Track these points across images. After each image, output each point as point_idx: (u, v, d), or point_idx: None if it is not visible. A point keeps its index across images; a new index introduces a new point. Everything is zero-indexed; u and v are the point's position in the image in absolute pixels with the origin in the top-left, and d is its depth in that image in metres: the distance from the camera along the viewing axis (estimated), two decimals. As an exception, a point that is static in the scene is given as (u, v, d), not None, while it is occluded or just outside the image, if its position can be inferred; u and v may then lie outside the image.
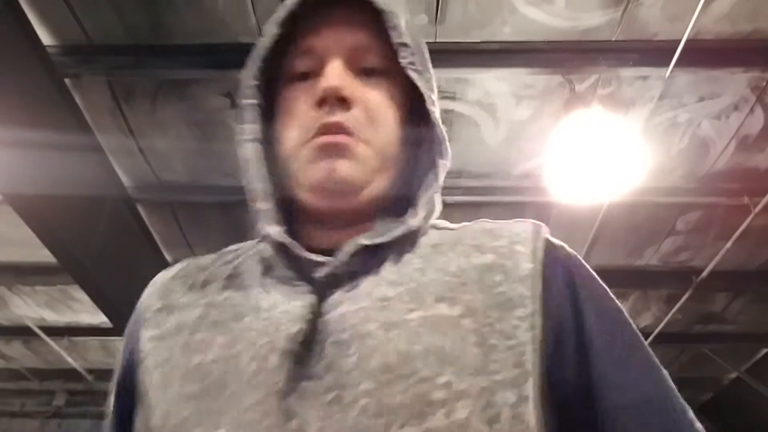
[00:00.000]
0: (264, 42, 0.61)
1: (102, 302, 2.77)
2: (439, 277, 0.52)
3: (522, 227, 0.59)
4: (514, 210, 2.87)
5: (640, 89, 2.29)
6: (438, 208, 0.63)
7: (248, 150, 0.60)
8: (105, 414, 0.62)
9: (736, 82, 2.27)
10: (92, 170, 2.30)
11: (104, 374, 4.85)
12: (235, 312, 0.54)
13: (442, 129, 0.60)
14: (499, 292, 0.50)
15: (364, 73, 0.59)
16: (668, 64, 2.04)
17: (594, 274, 0.58)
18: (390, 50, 0.60)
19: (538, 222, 0.60)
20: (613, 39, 2.10)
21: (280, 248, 0.56)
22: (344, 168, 0.55)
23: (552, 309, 0.50)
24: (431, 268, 0.54)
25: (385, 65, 0.60)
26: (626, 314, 0.55)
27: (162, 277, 0.65)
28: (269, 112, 0.62)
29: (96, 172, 2.33)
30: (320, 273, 0.53)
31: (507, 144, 2.53)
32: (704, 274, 3.13)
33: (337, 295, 0.52)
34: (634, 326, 0.54)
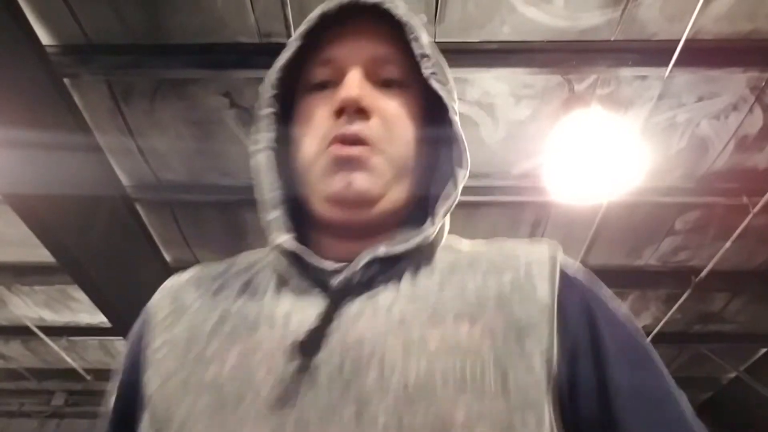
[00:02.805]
0: (285, 53, 0.61)
1: (101, 302, 2.76)
2: (458, 294, 0.53)
3: (538, 248, 0.59)
4: (514, 210, 2.88)
5: (639, 89, 2.29)
6: (447, 223, 0.63)
7: (260, 158, 0.59)
8: (102, 414, 0.61)
9: (735, 82, 2.27)
10: (91, 170, 2.30)
11: (103, 374, 4.84)
12: (249, 322, 0.54)
13: (463, 139, 0.60)
14: (517, 317, 0.50)
15: (383, 84, 0.59)
16: (667, 64, 2.04)
17: (607, 294, 0.58)
18: (409, 62, 0.60)
19: (553, 242, 0.60)
20: (612, 39, 2.10)
21: (293, 257, 0.56)
22: (360, 180, 0.55)
23: (567, 339, 0.51)
24: (449, 284, 0.54)
25: (404, 77, 0.60)
26: (641, 333, 0.55)
27: (172, 281, 0.64)
28: (284, 119, 0.62)
29: (95, 172, 2.33)
30: (334, 281, 0.53)
31: (506, 144, 2.53)
32: (703, 273, 3.13)
33: (354, 307, 0.52)
34: (647, 343, 0.55)
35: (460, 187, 0.59)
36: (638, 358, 0.52)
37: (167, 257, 3.14)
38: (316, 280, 0.55)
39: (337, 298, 0.52)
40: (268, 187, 0.58)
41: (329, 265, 0.54)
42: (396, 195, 0.58)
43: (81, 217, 2.30)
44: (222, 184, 2.78)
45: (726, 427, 4.66)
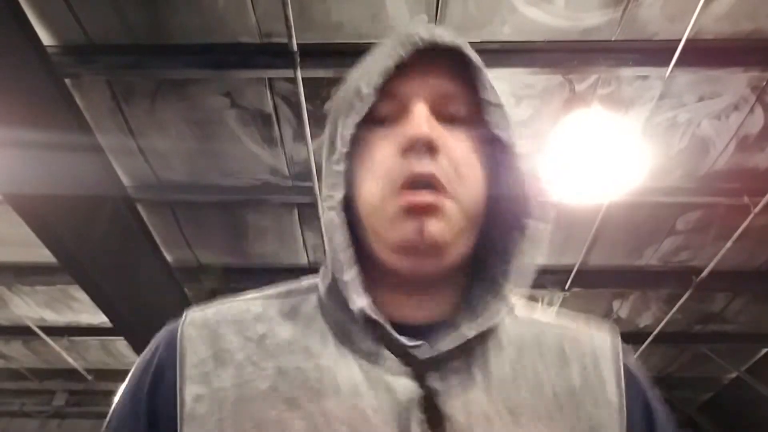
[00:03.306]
0: (358, 106, 0.55)
1: (102, 302, 2.76)
2: (532, 390, 0.52)
3: (601, 336, 0.59)
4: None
5: (639, 89, 2.29)
6: None
7: (334, 216, 0.54)
8: None
9: (736, 81, 2.27)
10: (92, 170, 2.30)
11: (104, 374, 4.85)
12: (310, 389, 0.50)
13: (537, 185, 0.57)
14: (589, 419, 0.52)
15: (448, 121, 0.56)
16: (668, 64, 2.04)
17: (657, 394, 0.59)
18: (473, 100, 0.58)
19: (613, 328, 0.60)
20: (612, 39, 2.10)
21: (367, 322, 0.52)
22: (434, 228, 0.51)
23: None
24: (523, 380, 0.53)
25: (468, 115, 0.57)
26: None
27: (203, 316, 0.58)
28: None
29: (96, 172, 2.33)
30: (419, 354, 0.51)
31: (507, 144, 2.53)
32: (704, 273, 3.13)
33: (441, 387, 0.50)
34: None
35: (535, 242, 0.55)
36: None
37: (168, 257, 3.14)
38: (389, 346, 0.52)
39: (421, 374, 0.50)
40: (342, 246, 0.54)
41: (409, 341, 0.51)
42: (466, 242, 0.55)
43: (82, 217, 2.30)
44: (223, 184, 2.78)
45: (726, 426, 4.65)
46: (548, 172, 2.46)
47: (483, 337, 0.54)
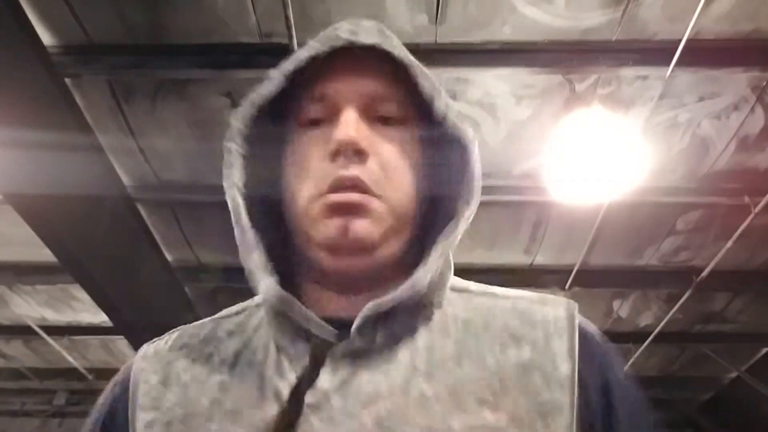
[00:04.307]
0: (266, 87, 0.57)
1: (102, 301, 2.77)
2: (477, 371, 0.50)
3: (555, 313, 0.55)
4: (515, 210, 2.87)
5: (640, 89, 2.29)
6: (451, 263, 0.60)
7: (235, 196, 0.55)
8: None
9: (736, 81, 2.27)
10: (92, 170, 2.30)
11: (105, 373, 4.85)
12: (253, 399, 0.50)
13: (479, 176, 0.56)
14: (541, 400, 0.49)
15: (380, 121, 0.56)
16: (668, 64, 2.04)
17: (623, 366, 0.57)
18: (406, 98, 0.58)
19: (571, 303, 0.57)
20: (613, 39, 2.10)
21: (281, 314, 0.53)
22: (359, 226, 0.51)
23: (587, 413, 0.51)
24: (467, 357, 0.51)
25: (402, 114, 0.57)
26: (645, 402, 0.56)
27: (156, 347, 0.59)
28: (276, 156, 0.59)
29: (96, 172, 2.33)
30: (334, 350, 0.50)
31: (507, 144, 2.53)
32: (704, 273, 3.13)
33: (365, 380, 0.49)
34: (649, 411, 0.56)
35: (462, 226, 0.55)
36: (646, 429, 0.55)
37: (168, 257, 3.15)
38: (312, 343, 0.52)
39: (341, 366, 0.50)
40: (247, 225, 0.54)
41: (321, 324, 0.51)
42: (396, 243, 0.55)
43: (83, 216, 2.30)
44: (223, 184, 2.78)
45: (727, 426, 4.65)
46: (548, 172, 2.46)
47: (410, 320, 0.53)
